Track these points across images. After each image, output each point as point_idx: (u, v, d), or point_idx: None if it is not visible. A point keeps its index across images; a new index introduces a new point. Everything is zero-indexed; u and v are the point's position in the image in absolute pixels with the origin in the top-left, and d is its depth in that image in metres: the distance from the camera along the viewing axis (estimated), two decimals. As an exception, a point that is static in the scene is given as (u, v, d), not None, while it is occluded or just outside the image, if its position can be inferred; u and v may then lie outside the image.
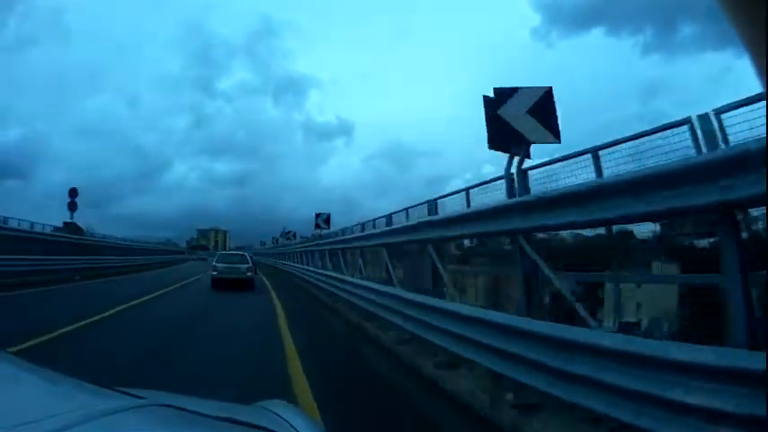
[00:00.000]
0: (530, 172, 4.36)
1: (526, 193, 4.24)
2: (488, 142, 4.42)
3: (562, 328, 2.85)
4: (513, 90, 4.36)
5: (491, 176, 5.04)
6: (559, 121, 4.23)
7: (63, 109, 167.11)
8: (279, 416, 0.97)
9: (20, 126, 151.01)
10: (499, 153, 4.37)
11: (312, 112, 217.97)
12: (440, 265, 5.67)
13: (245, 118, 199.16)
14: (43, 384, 0.84)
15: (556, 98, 4.14)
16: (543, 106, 4.29)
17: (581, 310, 3.13)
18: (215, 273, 14.67)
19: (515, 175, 4.40)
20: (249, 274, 14.84)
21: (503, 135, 4.32)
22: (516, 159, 4.35)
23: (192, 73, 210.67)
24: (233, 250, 25.34)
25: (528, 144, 4.30)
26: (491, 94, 4.36)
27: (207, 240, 77.10)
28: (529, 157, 4.29)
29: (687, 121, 2.96)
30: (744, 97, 2.54)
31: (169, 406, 0.84)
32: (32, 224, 18.17)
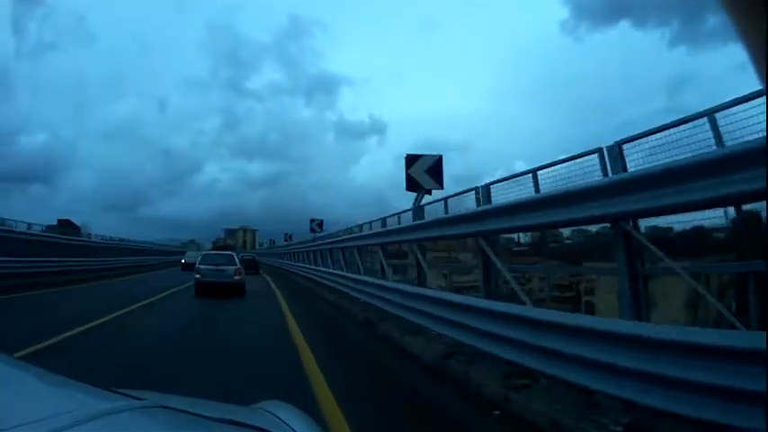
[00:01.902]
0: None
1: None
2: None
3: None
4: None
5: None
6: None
7: (91, 113, 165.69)
8: (278, 417, 0.99)
9: (48, 131, 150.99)
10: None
11: (344, 112, 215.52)
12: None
13: (277, 118, 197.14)
14: (43, 385, 0.86)
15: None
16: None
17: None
18: (198, 276, 13.00)
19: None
20: (237, 277, 13.27)
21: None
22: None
23: (221, 74, 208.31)
24: (220, 250, 23.48)
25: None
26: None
27: (234, 240, 75.50)
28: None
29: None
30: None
31: (168, 407, 0.86)
32: (29, 225, 18.21)
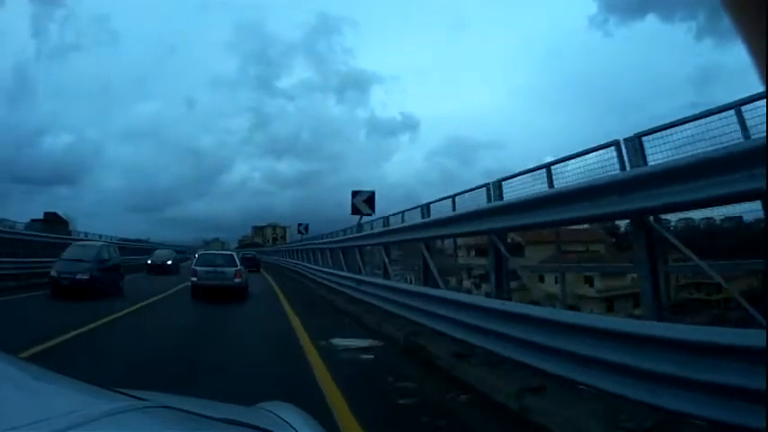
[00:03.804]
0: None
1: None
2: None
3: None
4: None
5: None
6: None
7: (117, 114, 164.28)
8: (280, 417, 1.01)
9: (73, 132, 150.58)
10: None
11: (376, 109, 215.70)
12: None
13: (308, 116, 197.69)
14: (44, 385, 0.88)
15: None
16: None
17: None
18: (195, 279, 12.17)
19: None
20: (238, 280, 12.26)
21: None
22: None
23: (250, 73, 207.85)
24: (222, 250, 21.84)
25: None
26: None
27: (262, 237, 73.37)
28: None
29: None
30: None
31: (170, 407, 0.88)
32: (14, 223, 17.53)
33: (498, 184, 6.03)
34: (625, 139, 3.96)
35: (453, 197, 7.46)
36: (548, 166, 5.04)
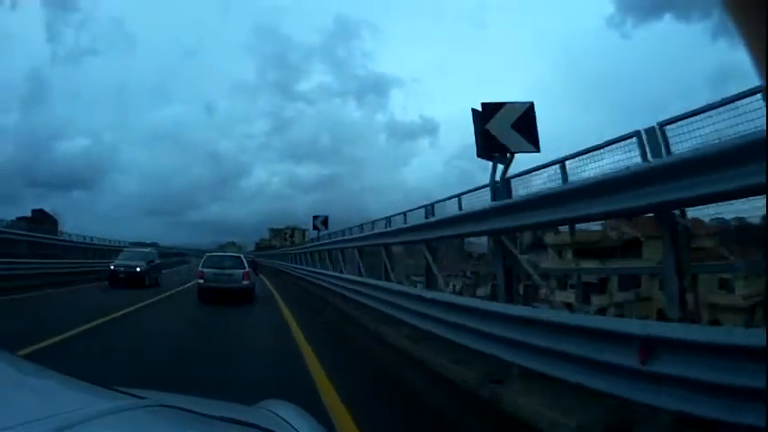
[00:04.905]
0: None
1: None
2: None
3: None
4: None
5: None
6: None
7: (137, 118, 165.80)
8: (280, 416, 1.02)
9: (91, 136, 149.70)
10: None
11: (395, 112, 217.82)
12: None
13: (327, 121, 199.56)
14: (43, 384, 0.89)
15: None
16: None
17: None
18: (202, 281, 12.21)
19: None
20: (246, 282, 12.35)
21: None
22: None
23: (269, 77, 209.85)
24: (230, 252, 21.19)
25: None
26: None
27: (280, 240, 71.26)
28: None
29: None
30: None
31: (170, 406, 0.90)
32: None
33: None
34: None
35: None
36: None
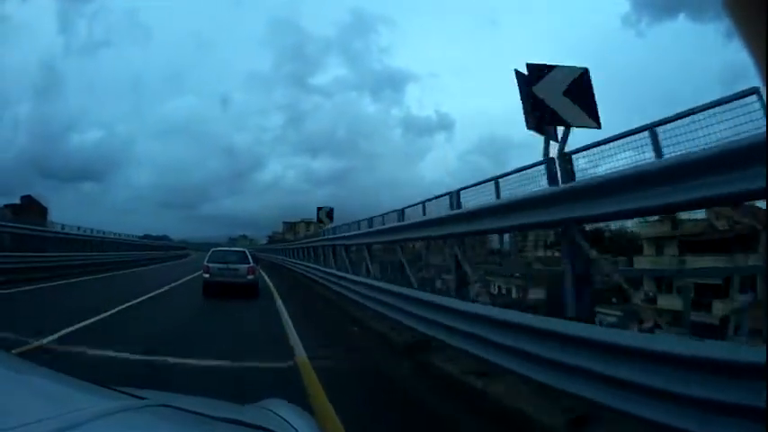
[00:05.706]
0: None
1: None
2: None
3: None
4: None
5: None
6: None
7: (151, 111, 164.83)
8: (279, 416, 1.04)
9: (105, 129, 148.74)
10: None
11: (411, 107, 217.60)
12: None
13: (343, 114, 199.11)
14: (44, 384, 0.91)
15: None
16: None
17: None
18: (207, 276, 12.30)
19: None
20: (251, 276, 12.56)
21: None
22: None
23: (284, 70, 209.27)
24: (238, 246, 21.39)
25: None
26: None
27: (294, 233, 69.65)
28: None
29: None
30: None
31: (170, 406, 0.92)
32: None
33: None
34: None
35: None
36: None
